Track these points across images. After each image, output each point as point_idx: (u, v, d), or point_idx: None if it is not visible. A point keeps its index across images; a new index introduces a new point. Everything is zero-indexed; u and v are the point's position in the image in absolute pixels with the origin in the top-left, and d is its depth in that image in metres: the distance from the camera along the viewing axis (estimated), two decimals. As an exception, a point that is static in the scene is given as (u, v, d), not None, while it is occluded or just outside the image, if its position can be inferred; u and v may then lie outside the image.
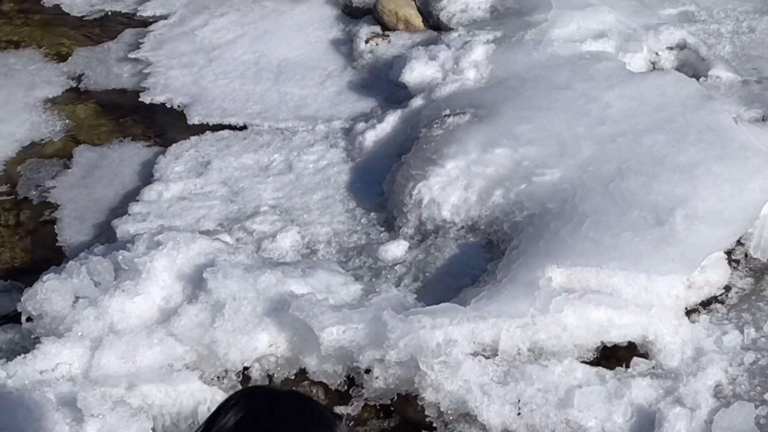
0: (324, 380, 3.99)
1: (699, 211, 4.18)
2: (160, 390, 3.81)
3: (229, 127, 6.10)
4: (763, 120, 5.21)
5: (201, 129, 6.09)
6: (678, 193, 4.26)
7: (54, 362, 3.79)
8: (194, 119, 6.21)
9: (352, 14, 7.22)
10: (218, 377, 4.02)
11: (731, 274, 4.25)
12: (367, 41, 6.62)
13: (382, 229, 4.95)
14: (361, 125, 5.76)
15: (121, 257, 4.23)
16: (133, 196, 5.41)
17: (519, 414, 3.59)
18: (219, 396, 3.88)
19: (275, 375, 4.07)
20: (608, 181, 4.43)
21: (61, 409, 3.42)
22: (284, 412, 1.72)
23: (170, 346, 3.94)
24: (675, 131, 4.68)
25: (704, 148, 4.53)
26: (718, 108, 4.86)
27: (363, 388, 3.93)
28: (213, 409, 3.77)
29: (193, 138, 5.96)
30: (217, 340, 3.95)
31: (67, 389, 3.55)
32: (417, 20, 6.65)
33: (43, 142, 6.14)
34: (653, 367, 3.77)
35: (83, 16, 7.80)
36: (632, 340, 3.89)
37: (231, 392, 3.94)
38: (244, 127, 6.08)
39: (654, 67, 5.91)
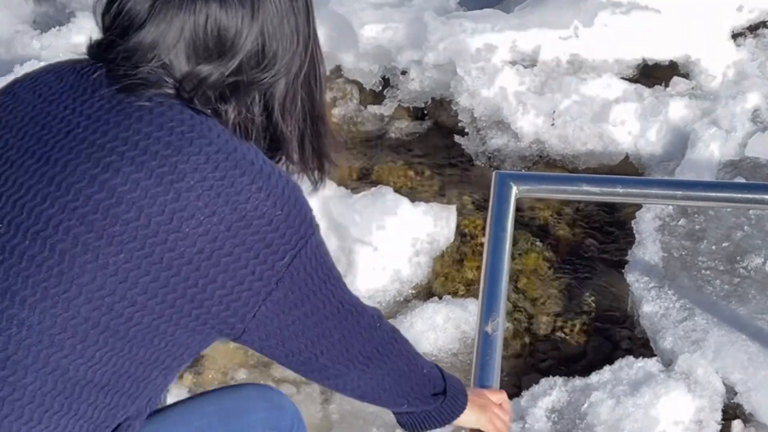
0: (359, 79, 3.98)
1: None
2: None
3: None
4: None
5: None
6: None
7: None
8: None
9: None
10: (253, 68, 4.00)
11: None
12: None
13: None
14: None
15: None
16: None
17: (553, 125, 3.59)
18: (254, 86, 3.90)
19: (310, 70, 4.05)
20: None
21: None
22: None
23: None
24: None
25: None
26: None
27: (398, 89, 3.92)
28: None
29: None
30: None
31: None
32: None
33: None
34: (693, 88, 3.73)
35: None
36: (674, 60, 3.82)
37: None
38: None
39: None
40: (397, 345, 1.58)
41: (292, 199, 1.33)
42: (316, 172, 1.53)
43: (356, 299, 1.50)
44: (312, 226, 1.36)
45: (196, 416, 1.67)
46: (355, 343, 1.49)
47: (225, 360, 2.89)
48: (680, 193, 2.27)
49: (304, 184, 1.47)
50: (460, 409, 1.71)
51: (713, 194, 2.28)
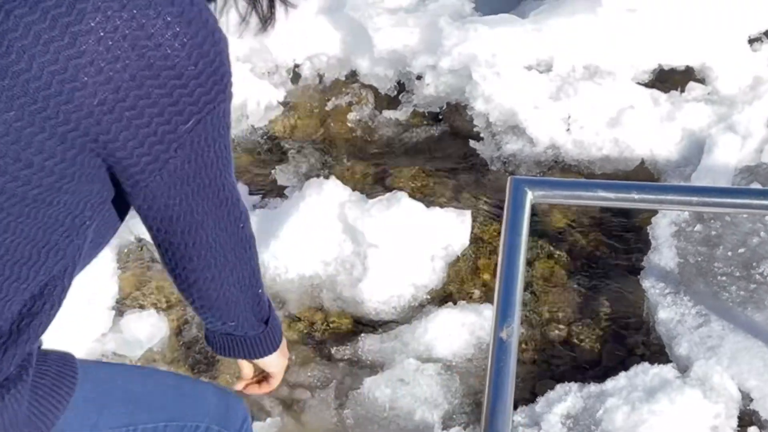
0: (374, 84, 3.99)
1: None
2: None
3: None
4: None
5: None
6: None
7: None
8: None
9: None
10: (269, 72, 4.02)
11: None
12: None
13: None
14: None
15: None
16: None
17: (568, 130, 3.59)
18: (269, 90, 3.91)
19: (325, 75, 4.06)
20: None
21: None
22: None
23: (222, 38, 3.91)
24: None
25: None
26: None
27: (413, 94, 3.92)
28: (262, 103, 3.88)
29: None
30: (269, 34, 3.90)
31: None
32: None
33: None
34: (709, 93, 3.72)
35: None
36: (690, 65, 3.81)
37: (281, 88, 4.00)
38: None
39: None
40: (250, 252, 1.43)
41: (211, 54, 1.15)
42: (265, 5, 1.36)
43: (237, 189, 1.34)
44: (225, 91, 1.20)
45: (153, 381, 1.62)
46: (221, 234, 1.34)
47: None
48: (696, 199, 2.26)
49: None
50: (274, 345, 1.57)
51: (730, 200, 2.27)
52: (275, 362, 1.61)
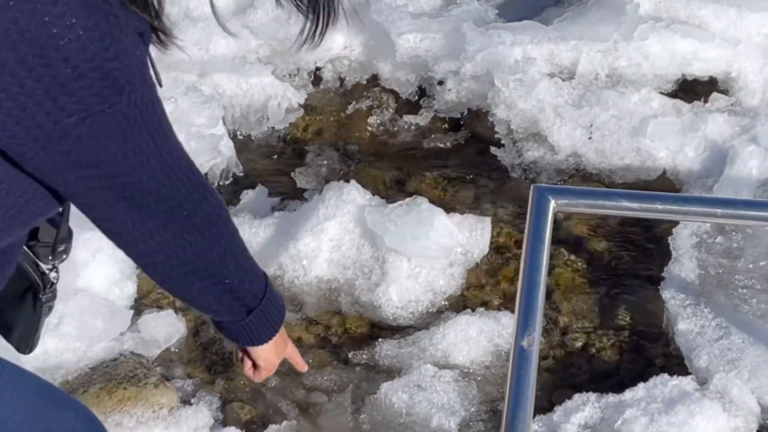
0: (396, 88, 3.99)
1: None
2: (232, 80, 3.83)
3: None
4: None
5: None
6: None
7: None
8: None
9: None
10: (290, 74, 4.02)
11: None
12: None
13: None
14: None
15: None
16: None
17: (590, 138, 3.58)
18: (290, 93, 3.91)
19: (347, 78, 4.06)
20: None
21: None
22: None
23: (245, 38, 3.92)
24: None
25: None
26: None
27: (434, 99, 3.92)
28: (283, 105, 3.88)
29: None
30: (292, 36, 3.87)
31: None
32: None
33: None
34: (732, 104, 3.70)
35: None
36: (714, 75, 3.79)
37: (302, 90, 4.00)
38: None
39: None
40: (201, 244, 1.43)
41: (97, 57, 1.17)
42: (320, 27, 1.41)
43: (172, 186, 1.34)
44: (118, 90, 1.20)
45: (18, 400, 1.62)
46: (141, 221, 1.35)
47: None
48: (721, 211, 2.23)
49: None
50: (256, 338, 1.59)
51: (755, 213, 2.24)
52: (262, 355, 1.63)
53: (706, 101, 3.71)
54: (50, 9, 1.14)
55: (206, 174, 3.53)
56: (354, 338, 3.02)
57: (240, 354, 1.68)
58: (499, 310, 3.01)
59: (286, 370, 2.85)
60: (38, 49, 1.14)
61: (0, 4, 1.13)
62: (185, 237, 1.38)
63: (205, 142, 3.44)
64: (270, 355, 1.63)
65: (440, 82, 3.88)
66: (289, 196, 3.57)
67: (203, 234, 1.40)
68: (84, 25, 1.16)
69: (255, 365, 1.67)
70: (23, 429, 1.61)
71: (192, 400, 2.75)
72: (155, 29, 1.32)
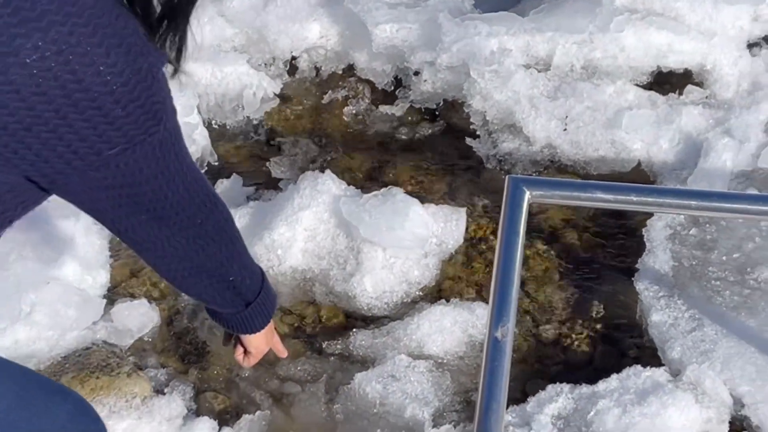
0: (372, 78, 3.98)
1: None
2: (207, 69, 3.81)
3: None
4: None
5: None
6: None
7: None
8: None
9: None
10: (266, 63, 4.00)
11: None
12: None
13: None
14: None
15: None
16: None
17: (565, 130, 3.58)
18: (265, 82, 3.89)
19: (323, 68, 4.05)
20: None
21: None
22: None
23: (220, 27, 3.89)
24: None
25: None
26: None
27: (410, 90, 3.91)
28: (258, 94, 3.86)
29: None
30: (267, 25, 3.89)
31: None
32: None
33: None
34: (707, 97, 3.71)
35: None
36: (689, 68, 3.81)
37: (278, 80, 3.98)
38: None
39: None
40: (213, 249, 1.57)
41: (142, 98, 1.27)
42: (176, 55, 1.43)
43: (193, 202, 1.48)
44: (159, 125, 1.31)
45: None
46: (167, 238, 1.49)
47: (230, 357, 2.88)
48: (695, 203, 2.24)
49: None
50: (251, 327, 1.77)
51: (728, 205, 2.25)
52: (254, 343, 1.82)
53: (681, 93, 3.72)
54: (105, 60, 1.22)
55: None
56: (328, 328, 3.02)
57: (232, 341, 1.87)
58: (474, 300, 3.01)
59: (260, 361, 2.86)
60: (92, 95, 1.23)
61: (61, 60, 1.20)
62: (198, 242, 1.53)
63: (180, 131, 3.41)
64: (260, 343, 1.82)
65: (416, 73, 3.87)
66: (264, 185, 3.55)
67: (214, 239, 1.56)
68: (133, 68, 1.25)
69: (246, 351, 1.85)
70: (12, 416, 1.64)
71: (165, 390, 2.74)
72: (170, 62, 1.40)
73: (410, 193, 3.23)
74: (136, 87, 1.26)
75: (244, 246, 1.66)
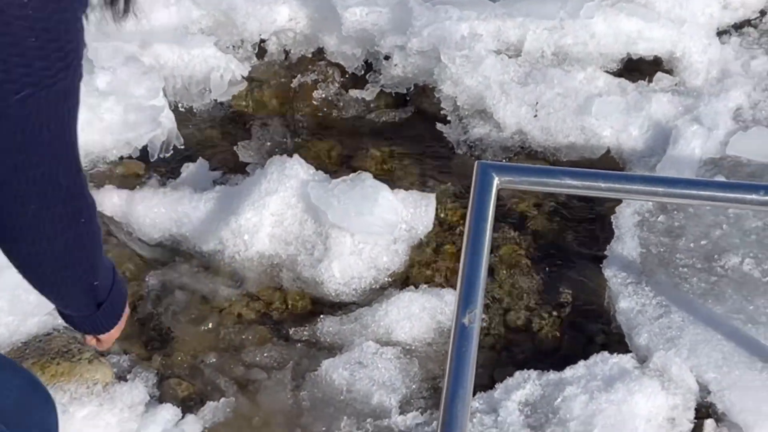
0: (341, 62, 3.94)
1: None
2: (174, 51, 3.75)
3: None
4: None
5: None
6: None
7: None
8: None
9: None
10: (234, 46, 3.95)
11: (769, -1, 4.11)
12: None
13: None
14: None
15: None
16: None
17: (535, 116, 3.57)
18: (233, 64, 3.84)
19: (292, 51, 4.00)
20: None
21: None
22: None
23: (187, 8, 3.84)
24: None
25: None
26: None
27: (380, 74, 3.88)
28: (226, 77, 3.81)
29: None
30: (235, 7, 3.84)
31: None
32: None
33: None
34: (676, 84, 3.72)
35: None
36: (659, 55, 3.81)
37: (246, 62, 3.93)
38: None
39: None
40: (90, 247, 1.44)
41: (56, 30, 1.16)
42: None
43: (81, 181, 1.33)
44: (68, 68, 1.19)
45: None
46: (48, 218, 1.32)
47: (195, 343, 2.85)
48: (662, 189, 2.24)
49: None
50: (102, 328, 1.64)
51: (696, 192, 2.25)
52: (104, 335, 1.68)
53: (650, 81, 3.73)
54: None
55: (146, 146, 3.47)
56: (295, 314, 2.99)
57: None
58: (443, 287, 3.00)
59: (225, 346, 2.83)
60: (6, 17, 1.11)
61: None
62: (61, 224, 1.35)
63: (145, 114, 3.37)
64: (112, 333, 1.68)
65: (386, 57, 3.84)
66: (231, 169, 3.51)
67: (77, 227, 1.38)
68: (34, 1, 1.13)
69: (97, 339, 1.71)
70: None
71: (128, 376, 2.70)
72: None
73: (379, 178, 3.20)
74: (52, 17, 1.15)
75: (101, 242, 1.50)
